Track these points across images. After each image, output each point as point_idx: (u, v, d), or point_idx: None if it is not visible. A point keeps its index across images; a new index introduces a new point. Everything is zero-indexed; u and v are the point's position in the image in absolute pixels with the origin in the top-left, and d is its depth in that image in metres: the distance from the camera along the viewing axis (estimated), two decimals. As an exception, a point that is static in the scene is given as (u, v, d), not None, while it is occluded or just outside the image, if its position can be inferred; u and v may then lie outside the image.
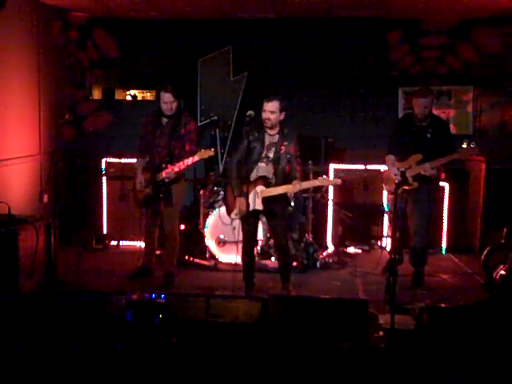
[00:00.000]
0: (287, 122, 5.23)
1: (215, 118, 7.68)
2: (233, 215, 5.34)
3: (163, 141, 5.58)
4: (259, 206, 5.15)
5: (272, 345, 3.88)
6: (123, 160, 7.06)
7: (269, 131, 5.15)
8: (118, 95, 7.91)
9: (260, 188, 5.12)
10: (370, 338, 4.03)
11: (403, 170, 5.47)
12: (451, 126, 6.56)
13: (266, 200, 5.13)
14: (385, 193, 7.03)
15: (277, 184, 5.13)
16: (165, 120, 5.60)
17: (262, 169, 5.15)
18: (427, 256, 5.86)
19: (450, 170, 6.42)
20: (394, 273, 4.34)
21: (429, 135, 5.48)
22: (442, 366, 3.64)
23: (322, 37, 7.54)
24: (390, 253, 5.72)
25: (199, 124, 7.81)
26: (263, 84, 7.43)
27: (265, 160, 5.16)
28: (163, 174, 5.47)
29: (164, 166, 5.49)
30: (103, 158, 7.20)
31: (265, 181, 5.13)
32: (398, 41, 7.29)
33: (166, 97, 5.48)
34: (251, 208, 5.06)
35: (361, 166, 7.02)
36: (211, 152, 5.36)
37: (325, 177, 5.31)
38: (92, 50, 7.44)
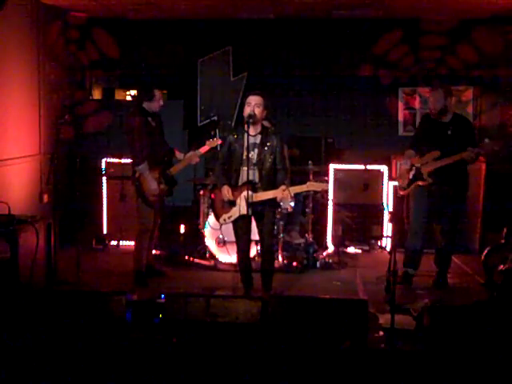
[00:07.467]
0: (286, 122, 5.21)
1: (215, 118, 7.69)
2: (221, 220, 5.21)
3: (157, 138, 5.76)
4: (245, 211, 4.96)
5: (272, 345, 3.88)
6: (123, 160, 7.03)
7: (250, 131, 4.92)
8: (118, 95, 7.90)
9: (247, 193, 4.87)
10: (370, 338, 4.03)
11: (418, 166, 5.52)
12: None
13: (254, 203, 4.94)
14: (385, 193, 7.05)
15: (264, 189, 4.96)
16: (150, 119, 5.70)
17: (247, 173, 4.88)
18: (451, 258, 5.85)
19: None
20: (394, 273, 4.34)
21: (449, 132, 5.46)
22: (442, 366, 3.63)
23: (322, 37, 7.54)
24: (389, 252, 5.71)
25: (199, 124, 7.84)
26: (263, 84, 7.43)
27: (248, 163, 4.89)
28: (176, 168, 5.79)
29: (167, 159, 5.79)
30: (103, 158, 7.19)
31: (251, 186, 4.92)
32: (398, 41, 7.30)
33: (160, 95, 5.80)
34: (240, 213, 5.00)
35: (361, 166, 7.03)
36: (218, 141, 5.68)
37: (312, 182, 5.12)
38: (92, 49, 7.44)
